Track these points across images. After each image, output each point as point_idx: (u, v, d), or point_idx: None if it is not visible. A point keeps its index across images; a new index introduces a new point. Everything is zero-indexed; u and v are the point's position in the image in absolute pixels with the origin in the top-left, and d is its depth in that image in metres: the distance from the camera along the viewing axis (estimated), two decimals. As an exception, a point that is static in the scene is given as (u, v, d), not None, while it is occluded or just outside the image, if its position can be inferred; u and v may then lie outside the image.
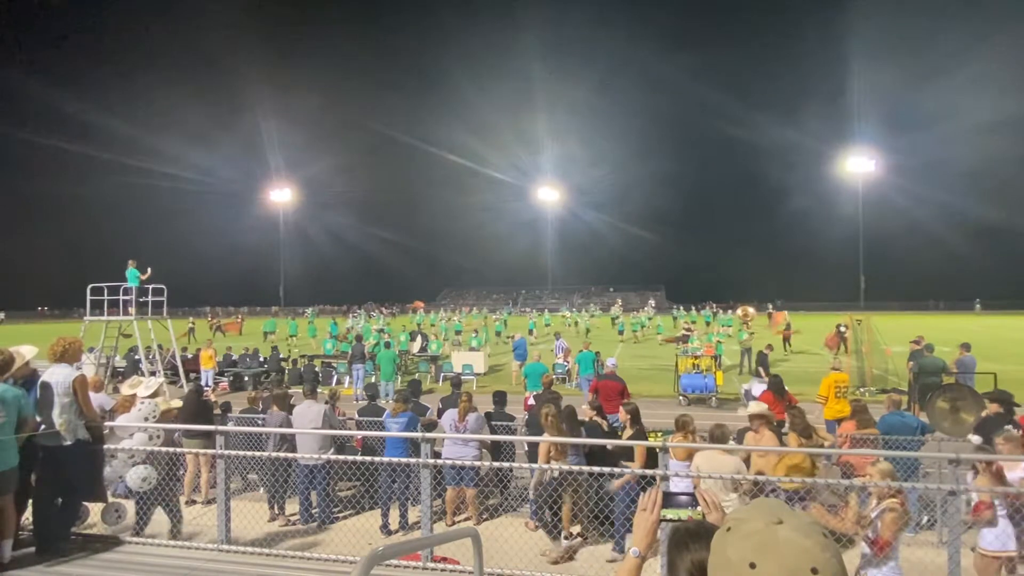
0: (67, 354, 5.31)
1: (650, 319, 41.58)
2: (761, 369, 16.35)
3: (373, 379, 17.30)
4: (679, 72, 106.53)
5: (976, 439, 6.63)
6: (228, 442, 5.92)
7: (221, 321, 41.65)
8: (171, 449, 6.10)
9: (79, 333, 16.56)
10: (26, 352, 5.29)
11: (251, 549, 5.40)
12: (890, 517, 4.09)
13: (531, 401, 11.49)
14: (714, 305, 52.07)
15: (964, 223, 76.60)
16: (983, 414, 7.15)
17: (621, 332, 34.98)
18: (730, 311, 41.61)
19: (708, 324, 39.72)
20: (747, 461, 6.13)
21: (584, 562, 6.20)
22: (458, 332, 35.06)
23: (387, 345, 18.74)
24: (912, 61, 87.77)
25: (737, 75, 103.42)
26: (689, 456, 6.09)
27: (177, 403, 7.82)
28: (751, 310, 26.10)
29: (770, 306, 48.22)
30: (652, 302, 59.21)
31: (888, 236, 77.91)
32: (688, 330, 27.63)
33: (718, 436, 6.23)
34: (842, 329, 23.35)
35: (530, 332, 32.53)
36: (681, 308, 50.26)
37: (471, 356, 20.62)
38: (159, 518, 6.27)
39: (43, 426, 5.09)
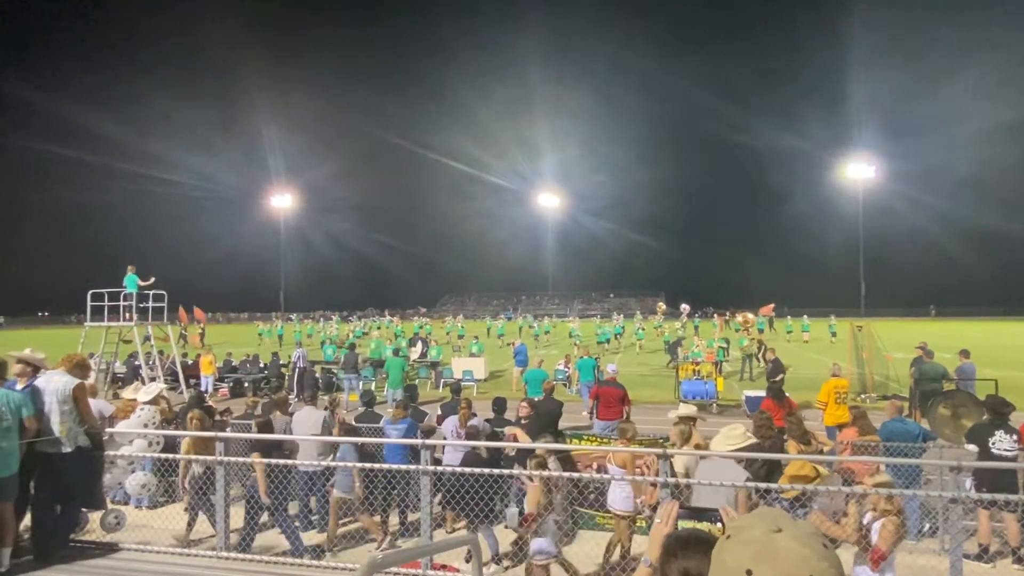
0: (77, 368, 5.36)
1: (622, 327, 41.04)
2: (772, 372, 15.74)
3: (371, 386, 17.24)
4: (680, 78, 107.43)
5: (971, 447, 6.58)
6: (228, 448, 5.91)
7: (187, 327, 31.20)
8: (171, 455, 6.09)
9: (79, 339, 16.62)
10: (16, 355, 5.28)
11: (250, 556, 5.39)
12: (890, 528, 4.08)
13: (531, 407, 11.44)
14: (712, 310, 52.04)
15: (964, 230, 76.93)
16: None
17: (615, 337, 34.72)
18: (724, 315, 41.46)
19: (714, 328, 39.54)
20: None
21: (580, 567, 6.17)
22: (461, 336, 35.11)
23: (396, 352, 18.62)
24: (912, 68, 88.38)
25: (738, 81, 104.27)
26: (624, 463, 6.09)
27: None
28: (751, 316, 25.92)
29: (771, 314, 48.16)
30: (620, 315, 58.45)
31: (889, 242, 78.20)
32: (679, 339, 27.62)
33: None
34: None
35: (532, 334, 32.45)
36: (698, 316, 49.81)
37: (471, 362, 20.56)
38: (161, 524, 6.25)
39: (41, 433, 5.07)
